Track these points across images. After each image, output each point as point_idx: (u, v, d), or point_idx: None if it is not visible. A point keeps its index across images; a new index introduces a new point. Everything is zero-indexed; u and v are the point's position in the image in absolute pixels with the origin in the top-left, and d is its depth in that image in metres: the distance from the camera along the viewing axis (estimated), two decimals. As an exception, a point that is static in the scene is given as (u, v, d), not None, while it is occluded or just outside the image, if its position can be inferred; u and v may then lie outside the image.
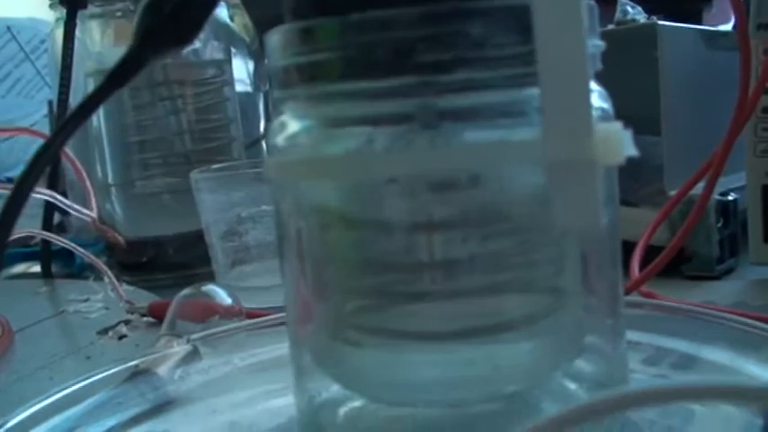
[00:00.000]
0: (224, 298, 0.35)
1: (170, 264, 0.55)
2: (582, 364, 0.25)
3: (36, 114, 1.09)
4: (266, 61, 0.23)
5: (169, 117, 0.56)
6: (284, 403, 0.28)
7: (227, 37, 0.58)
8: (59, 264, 0.62)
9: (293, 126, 0.23)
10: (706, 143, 0.41)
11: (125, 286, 0.47)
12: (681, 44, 0.46)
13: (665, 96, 0.45)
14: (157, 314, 0.40)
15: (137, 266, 0.54)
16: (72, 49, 0.52)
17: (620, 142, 0.19)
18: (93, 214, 0.40)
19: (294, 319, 0.25)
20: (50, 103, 0.80)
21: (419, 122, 0.21)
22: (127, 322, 0.40)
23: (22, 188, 0.20)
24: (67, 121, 0.21)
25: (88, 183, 0.42)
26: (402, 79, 0.20)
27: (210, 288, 0.36)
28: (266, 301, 0.41)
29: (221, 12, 0.59)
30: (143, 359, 0.31)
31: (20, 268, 0.62)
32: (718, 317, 0.30)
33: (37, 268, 0.61)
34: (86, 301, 0.47)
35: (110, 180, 0.56)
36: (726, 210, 0.42)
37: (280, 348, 0.32)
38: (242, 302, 0.37)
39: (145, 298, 0.45)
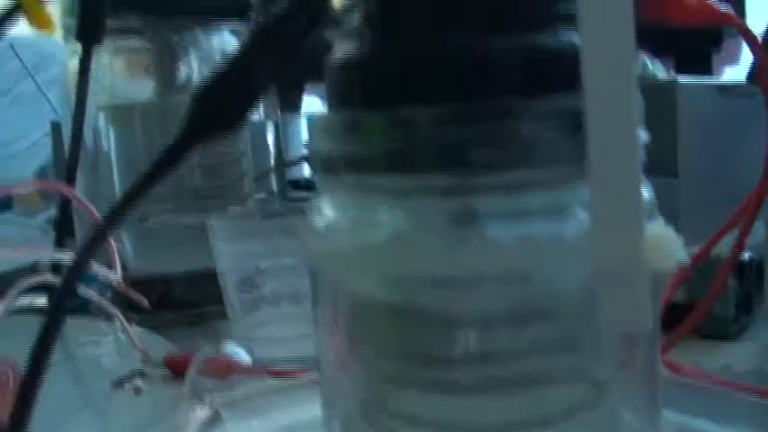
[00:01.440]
0: (244, 356, 0.35)
1: (178, 302, 0.55)
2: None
3: (37, 132, 1.09)
4: (308, 142, 0.23)
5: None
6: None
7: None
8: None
9: (333, 210, 0.23)
10: (721, 195, 0.42)
11: (135, 327, 0.47)
12: (698, 98, 0.47)
13: (683, 148, 0.45)
14: (174, 368, 0.39)
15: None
16: (87, 84, 0.51)
17: (671, 248, 0.19)
18: (119, 276, 0.40)
19: (327, 392, 0.25)
20: (55, 125, 0.80)
21: (464, 219, 0.21)
22: (141, 373, 0.40)
23: (75, 272, 0.20)
24: (118, 208, 0.21)
25: (114, 245, 0.41)
26: (448, 177, 0.20)
27: (230, 346, 0.35)
28: (282, 351, 0.40)
29: (231, 42, 0.59)
30: (165, 425, 0.30)
31: (24, 301, 0.61)
32: (744, 397, 0.30)
33: (42, 301, 0.60)
34: (97, 343, 0.46)
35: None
36: (742, 269, 0.42)
37: (302, 412, 0.32)
38: (260, 356, 0.37)
39: (157, 344, 0.45)
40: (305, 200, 0.68)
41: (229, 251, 0.42)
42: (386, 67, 0.21)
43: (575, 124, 0.19)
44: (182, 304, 0.54)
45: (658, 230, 0.19)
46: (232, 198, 0.58)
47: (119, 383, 0.39)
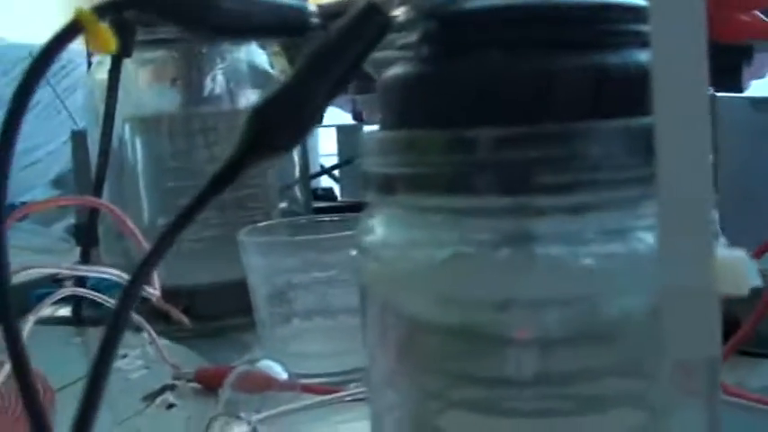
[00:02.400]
0: (279, 372, 0.35)
1: (202, 314, 0.54)
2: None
3: (56, 141, 1.09)
4: (362, 160, 0.23)
5: (206, 164, 0.56)
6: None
7: (266, 84, 0.58)
8: (86, 303, 0.61)
9: (386, 230, 0.23)
10: (760, 209, 0.41)
11: (161, 339, 0.46)
12: (735, 111, 0.46)
13: (722, 161, 0.45)
14: (205, 382, 0.39)
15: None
16: (115, 97, 0.51)
17: (744, 271, 0.19)
18: (157, 292, 0.40)
19: (375, 409, 0.25)
20: (77, 134, 0.79)
21: (523, 241, 0.20)
22: (172, 387, 0.40)
23: (128, 297, 0.20)
24: (167, 232, 0.21)
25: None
26: (509, 199, 0.20)
27: (265, 362, 0.35)
28: (314, 366, 0.40)
29: (260, 58, 0.58)
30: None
31: (48, 311, 0.60)
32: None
33: (65, 311, 0.60)
34: (124, 357, 0.46)
35: (146, 225, 0.56)
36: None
37: (340, 429, 0.32)
38: (292, 370, 0.37)
39: (185, 356, 0.45)
40: (329, 211, 0.68)
41: (261, 266, 0.42)
42: (447, 86, 0.20)
43: (639, 146, 0.19)
44: (206, 316, 0.54)
45: (731, 253, 0.18)
46: (257, 210, 0.58)
47: (150, 398, 0.39)
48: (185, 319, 0.42)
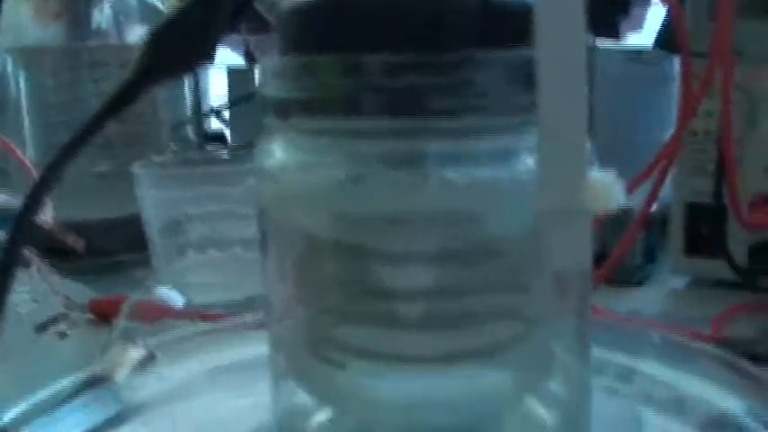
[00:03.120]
0: (176, 299, 0.35)
1: (93, 249, 0.54)
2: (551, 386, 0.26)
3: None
4: (261, 85, 0.23)
5: (92, 99, 0.55)
6: (247, 406, 0.29)
7: (156, 19, 0.56)
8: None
9: (284, 153, 0.23)
10: (630, 156, 0.44)
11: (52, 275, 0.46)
12: (612, 62, 0.49)
13: (598, 109, 0.48)
14: (98, 312, 0.39)
15: (60, 251, 0.52)
16: (-3, 27, 0.49)
17: (612, 192, 0.21)
18: (51, 219, 0.39)
19: (274, 330, 0.26)
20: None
21: (414, 161, 0.22)
22: (65, 316, 0.39)
23: (22, 224, 0.20)
24: (64, 152, 0.21)
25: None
26: (399, 121, 0.21)
27: (162, 290, 0.35)
28: (208, 297, 0.41)
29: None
30: (99, 366, 0.30)
31: None
32: (652, 333, 0.32)
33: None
34: (13, 291, 0.45)
35: (32, 161, 0.54)
36: (647, 220, 0.45)
37: (237, 354, 0.33)
38: (189, 300, 0.37)
39: (78, 291, 0.44)
40: (220, 149, 0.68)
41: (155, 198, 0.42)
42: (342, 13, 0.21)
43: (523, 75, 0.20)
44: (96, 252, 0.53)
45: (601, 175, 0.20)
46: (147, 147, 0.57)
47: (42, 328, 0.38)
48: (81, 244, 0.42)
